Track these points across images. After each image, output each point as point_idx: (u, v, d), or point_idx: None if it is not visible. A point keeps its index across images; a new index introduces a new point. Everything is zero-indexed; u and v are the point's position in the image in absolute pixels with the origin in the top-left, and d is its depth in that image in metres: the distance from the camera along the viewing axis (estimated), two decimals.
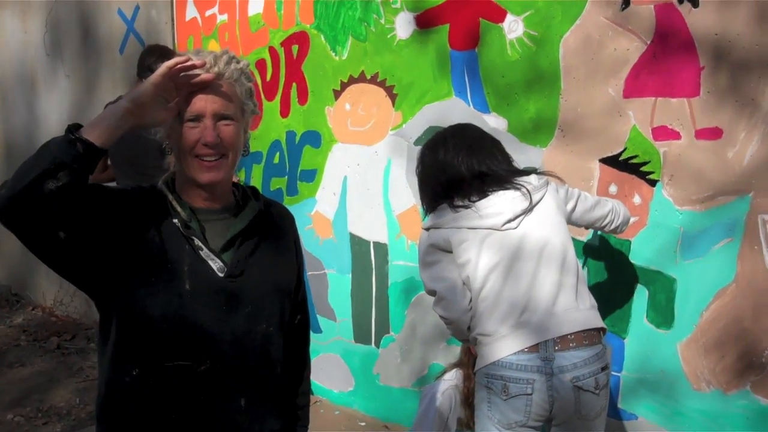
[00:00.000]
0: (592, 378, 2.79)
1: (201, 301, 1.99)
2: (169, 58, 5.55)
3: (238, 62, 2.04)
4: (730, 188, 3.30)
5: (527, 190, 2.91)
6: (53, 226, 1.81)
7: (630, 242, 3.60)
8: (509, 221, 2.87)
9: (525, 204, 2.89)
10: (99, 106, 6.05)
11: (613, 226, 3.20)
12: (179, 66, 1.91)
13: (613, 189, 3.62)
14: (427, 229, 3.04)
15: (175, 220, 2.02)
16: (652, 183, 3.51)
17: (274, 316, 2.13)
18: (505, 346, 2.81)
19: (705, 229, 3.38)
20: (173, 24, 5.75)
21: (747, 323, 3.30)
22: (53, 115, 7.00)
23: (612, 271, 3.69)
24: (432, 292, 3.03)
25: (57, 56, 6.88)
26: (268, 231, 2.17)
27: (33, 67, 7.16)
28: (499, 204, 2.89)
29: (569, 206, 3.04)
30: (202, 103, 1.97)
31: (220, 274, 2.02)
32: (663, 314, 3.54)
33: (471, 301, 2.93)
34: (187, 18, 5.61)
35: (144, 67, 5.07)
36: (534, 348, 2.78)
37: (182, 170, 2.04)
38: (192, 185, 2.04)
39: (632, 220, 3.37)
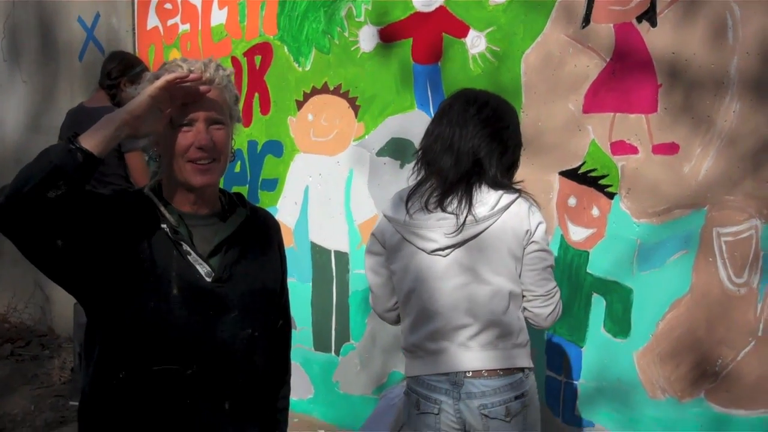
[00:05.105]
0: (502, 406, 2.67)
1: (188, 305, 2.03)
2: (131, 65, 5.54)
3: (224, 69, 2.11)
4: (686, 202, 3.40)
5: (464, 221, 2.67)
6: (51, 234, 1.84)
7: (588, 253, 3.68)
8: (439, 250, 2.72)
9: (457, 239, 2.69)
10: (56, 113, 6.01)
11: (540, 304, 2.78)
12: (178, 80, 1.95)
13: (572, 201, 3.70)
14: (384, 215, 2.89)
15: (164, 225, 2.05)
16: (610, 196, 3.60)
17: (259, 321, 2.17)
18: (419, 366, 2.79)
19: (661, 241, 3.47)
20: (134, 32, 5.73)
21: (701, 333, 3.39)
22: (9, 120, 6.93)
23: (570, 281, 3.76)
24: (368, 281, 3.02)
25: (14, 62, 6.83)
26: (254, 237, 2.21)
27: None
28: (436, 230, 2.71)
29: (526, 246, 2.72)
30: (195, 108, 2.02)
31: (208, 279, 2.06)
32: (620, 324, 3.62)
33: (396, 303, 2.90)
34: (149, 27, 5.60)
35: (104, 74, 5.06)
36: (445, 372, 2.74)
37: (172, 175, 2.07)
38: (181, 190, 2.08)
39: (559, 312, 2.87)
